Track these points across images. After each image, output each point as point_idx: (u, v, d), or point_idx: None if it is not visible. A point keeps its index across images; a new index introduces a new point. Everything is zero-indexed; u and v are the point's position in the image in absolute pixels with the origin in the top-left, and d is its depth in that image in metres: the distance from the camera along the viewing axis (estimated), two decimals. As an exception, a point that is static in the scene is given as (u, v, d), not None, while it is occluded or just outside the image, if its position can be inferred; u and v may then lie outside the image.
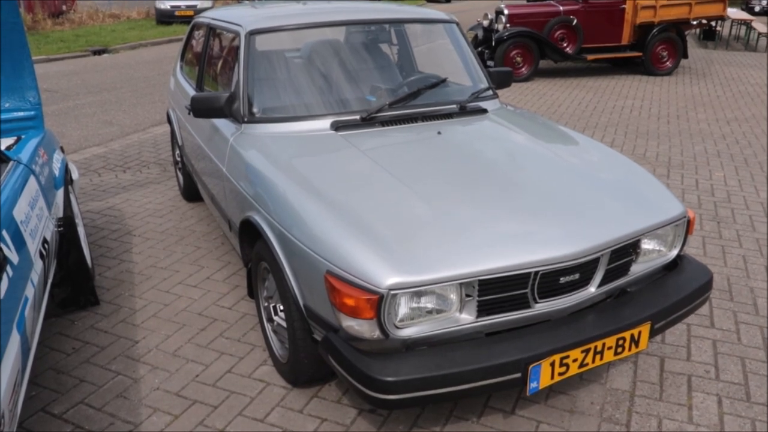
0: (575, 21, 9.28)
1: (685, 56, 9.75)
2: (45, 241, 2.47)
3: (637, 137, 6.22)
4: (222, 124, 2.99)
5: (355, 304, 1.78)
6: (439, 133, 2.67)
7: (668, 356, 2.66)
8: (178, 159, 4.53)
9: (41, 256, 2.35)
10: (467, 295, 1.88)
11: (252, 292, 2.68)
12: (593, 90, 8.73)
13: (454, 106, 2.94)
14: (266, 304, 2.55)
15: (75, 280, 3.01)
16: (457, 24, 3.41)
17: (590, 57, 9.57)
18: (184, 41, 4.36)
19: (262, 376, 2.56)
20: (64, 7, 18.73)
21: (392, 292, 1.76)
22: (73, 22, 17.41)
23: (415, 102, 2.89)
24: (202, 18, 3.88)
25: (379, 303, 1.76)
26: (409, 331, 1.86)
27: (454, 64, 3.37)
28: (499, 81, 3.33)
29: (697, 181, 4.89)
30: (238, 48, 2.97)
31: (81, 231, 3.43)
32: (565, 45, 9.44)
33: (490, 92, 3.19)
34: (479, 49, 9.79)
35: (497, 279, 1.86)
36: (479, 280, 1.85)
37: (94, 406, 2.41)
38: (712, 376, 2.53)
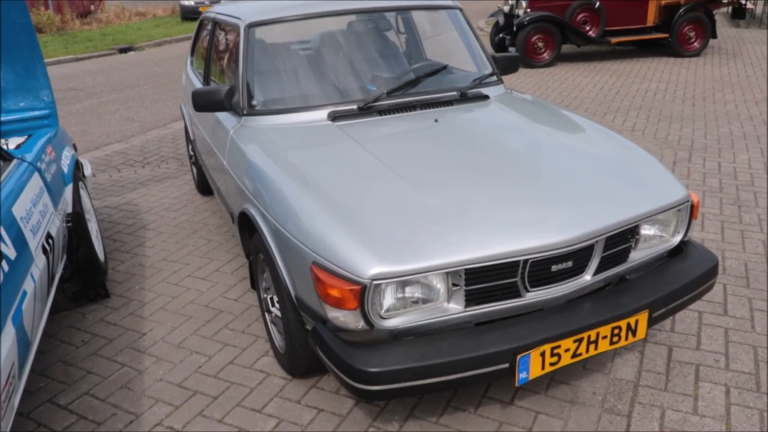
0: (598, 3, 9.04)
1: (714, 36, 9.41)
2: (49, 236, 2.52)
3: (660, 120, 6.04)
4: (224, 117, 3.00)
5: (339, 295, 1.77)
6: (436, 120, 2.63)
7: (677, 345, 2.58)
8: (191, 153, 4.59)
9: (44, 251, 2.40)
10: (454, 285, 1.86)
11: (254, 284, 2.70)
12: (617, 73, 8.51)
13: (455, 93, 2.89)
14: (265, 295, 2.57)
15: (85, 275, 3.08)
16: (461, 10, 3.35)
17: (614, 40, 9.31)
18: (194, 37, 4.40)
19: (263, 366, 2.58)
20: (92, 7, 19.12)
21: (375, 282, 1.75)
22: (101, 21, 17.77)
23: (414, 90, 2.86)
24: (209, 13, 3.90)
25: (362, 293, 1.74)
26: (395, 322, 1.84)
27: (459, 50, 3.32)
28: (505, 66, 3.27)
29: (720, 164, 4.73)
30: (238, 41, 2.97)
31: (93, 226, 3.50)
32: (587, 28, 9.21)
33: (494, 78, 3.13)
34: (501, 35, 9.63)
35: (484, 268, 1.83)
36: (465, 269, 1.81)
37: (99, 397, 2.46)
38: (721, 365, 2.45)
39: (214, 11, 3.74)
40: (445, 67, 3.01)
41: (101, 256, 3.39)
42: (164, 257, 3.65)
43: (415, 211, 1.96)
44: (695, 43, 9.37)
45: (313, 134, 2.58)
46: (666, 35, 9.28)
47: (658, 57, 9.56)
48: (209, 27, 3.79)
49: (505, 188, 2.08)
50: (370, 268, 1.75)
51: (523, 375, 1.84)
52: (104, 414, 2.36)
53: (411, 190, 2.06)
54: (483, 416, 2.23)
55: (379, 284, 1.76)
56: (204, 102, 2.80)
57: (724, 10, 12.70)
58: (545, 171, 2.19)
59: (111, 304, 3.16)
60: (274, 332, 2.56)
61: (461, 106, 2.83)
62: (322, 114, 2.70)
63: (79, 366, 2.66)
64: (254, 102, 2.81)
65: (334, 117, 2.67)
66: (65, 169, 3.13)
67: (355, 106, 2.72)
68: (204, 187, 4.43)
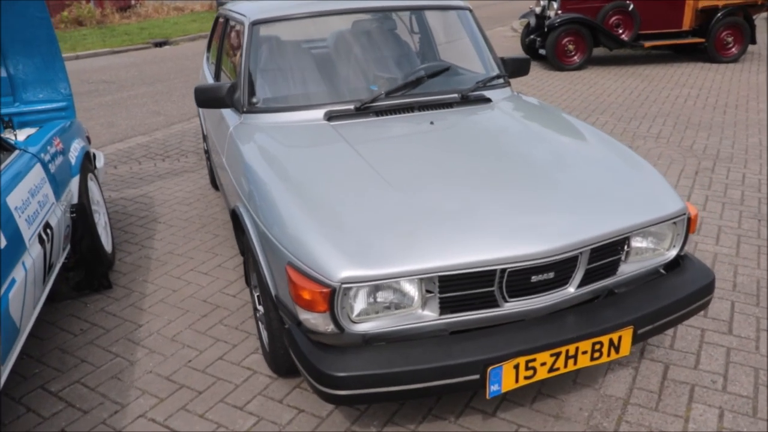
0: (631, 6, 8.81)
1: (753, 42, 9.08)
2: (48, 226, 2.57)
3: (687, 128, 5.85)
4: (228, 114, 3.02)
5: (309, 297, 1.76)
6: (431, 123, 2.59)
7: (674, 363, 2.49)
8: (206, 148, 4.64)
9: (41, 241, 2.45)
10: (428, 291, 1.82)
11: (248, 281, 2.71)
12: (648, 78, 8.29)
13: (456, 95, 2.84)
14: (254, 293, 2.57)
15: (88, 265, 3.14)
16: (471, 11, 3.30)
17: (647, 44, 9.06)
18: (210, 32, 4.45)
19: (251, 364, 2.59)
20: (132, 1, 19.54)
21: (344, 285, 1.73)
22: (140, 15, 18.15)
23: (415, 91, 2.82)
24: (222, 10, 3.94)
25: (331, 296, 1.73)
26: (367, 326, 1.81)
27: (467, 52, 3.27)
28: (514, 69, 3.21)
29: (744, 175, 4.55)
30: (243, 38, 2.98)
31: (102, 218, 3.57)
32: (620, 31, 8.99)
33: (501, 81, 3.07)
34: (531, 36, 9.48)
35: (458, 275, 1.79)
36: (439, 276, 1.78)
37: (89, 385, 2.50)
38: (718, 386, 2.35)
39: (228, 8, 3.77)
40: (448, 69, 2.97)
41: (108, 247, 3.45)
42: (170, 250, 3.70)
43: (395, 215, 1.93)
44: (733, 49, 9.05)
45: (308, 134, 2.57)
46: (702, 40, 8.98)
47: (693, 62, 9.26)
48: (222, 23, 3.83)
49: (489, 194, 2.03)
50: (340, 272, 1.73)
51: (494, 387, 1.79)
52: (92, 403, 2.40)
53: (393, 193, 2.03)
54: (463, 426, 2.19)
55: (349, 288, 1.74)
56: (205, 98, 2.82)
57: (766, 14, 12.24)
58: (534, 178, 2.13)
59: (113, 294, 3.21)
60: (262, 330, 2.56)
61: (460, 109, 2.78)
62: (318, 113, 2.69)
63: (74, 354, 2.72)
64: (255, 99, 2.82)
65: (330, 117, 2.65)
66: (73, 161, 3.19)
67: (352, 107, 2.70)
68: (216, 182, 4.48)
